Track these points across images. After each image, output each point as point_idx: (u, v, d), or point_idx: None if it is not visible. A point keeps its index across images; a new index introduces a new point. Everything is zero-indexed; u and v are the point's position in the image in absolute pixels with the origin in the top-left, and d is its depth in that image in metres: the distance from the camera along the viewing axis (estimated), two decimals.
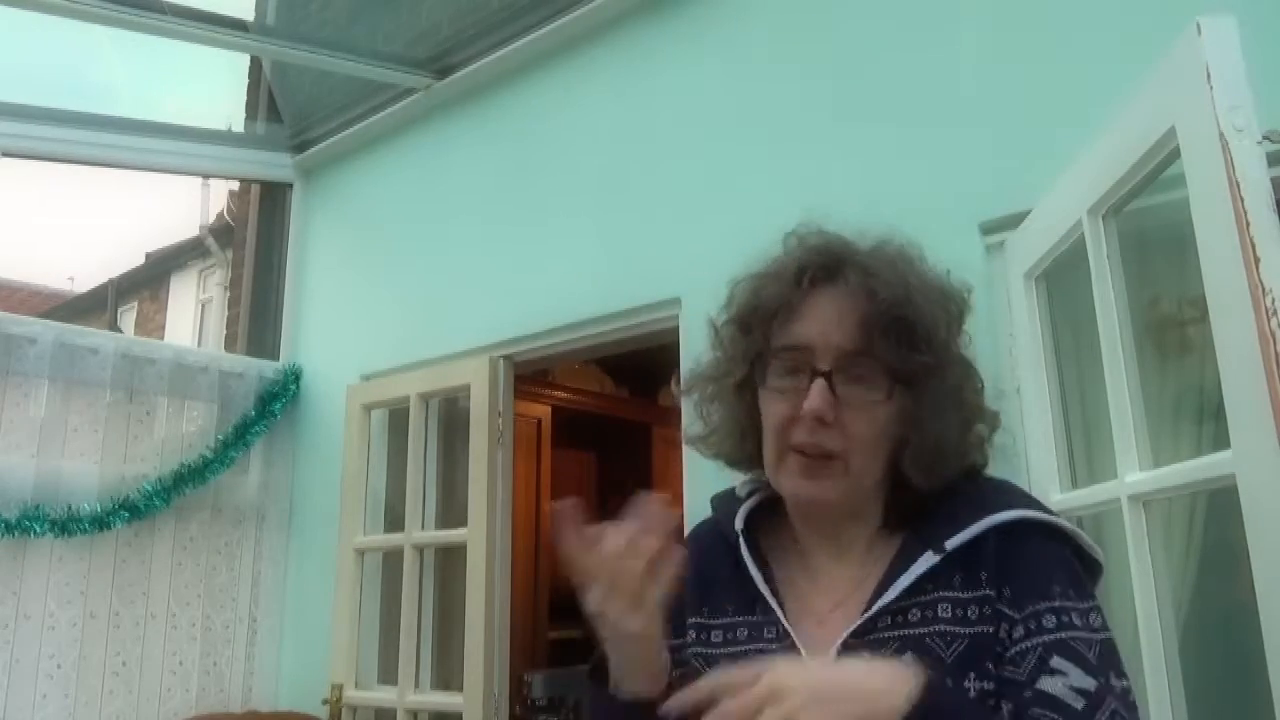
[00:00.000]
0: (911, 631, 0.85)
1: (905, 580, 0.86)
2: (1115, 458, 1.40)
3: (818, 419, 0.89)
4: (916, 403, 0.90)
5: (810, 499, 0.94)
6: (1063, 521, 0.89)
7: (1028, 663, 0.80)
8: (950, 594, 0.85)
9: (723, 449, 1.03)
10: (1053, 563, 0.84)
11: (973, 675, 0.82)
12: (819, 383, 0.89)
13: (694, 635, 0.99)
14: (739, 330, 0.99)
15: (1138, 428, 1.37)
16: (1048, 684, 0.78)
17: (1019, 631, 0.82)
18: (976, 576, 0.85)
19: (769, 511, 1.02)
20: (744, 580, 0.97)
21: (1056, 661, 0.79)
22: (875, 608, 0.87)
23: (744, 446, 1.01)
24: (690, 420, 1.06)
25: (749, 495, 1.04)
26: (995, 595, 0.84)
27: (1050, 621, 0.81)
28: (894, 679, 0.72)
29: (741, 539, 0.99)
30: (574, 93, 2.86)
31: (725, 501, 1.07)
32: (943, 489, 0.92)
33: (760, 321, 0.96)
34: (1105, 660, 0.80)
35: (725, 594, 0.98)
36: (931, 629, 0.85)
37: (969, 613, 0.84)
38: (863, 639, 0.86)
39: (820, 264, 0.94)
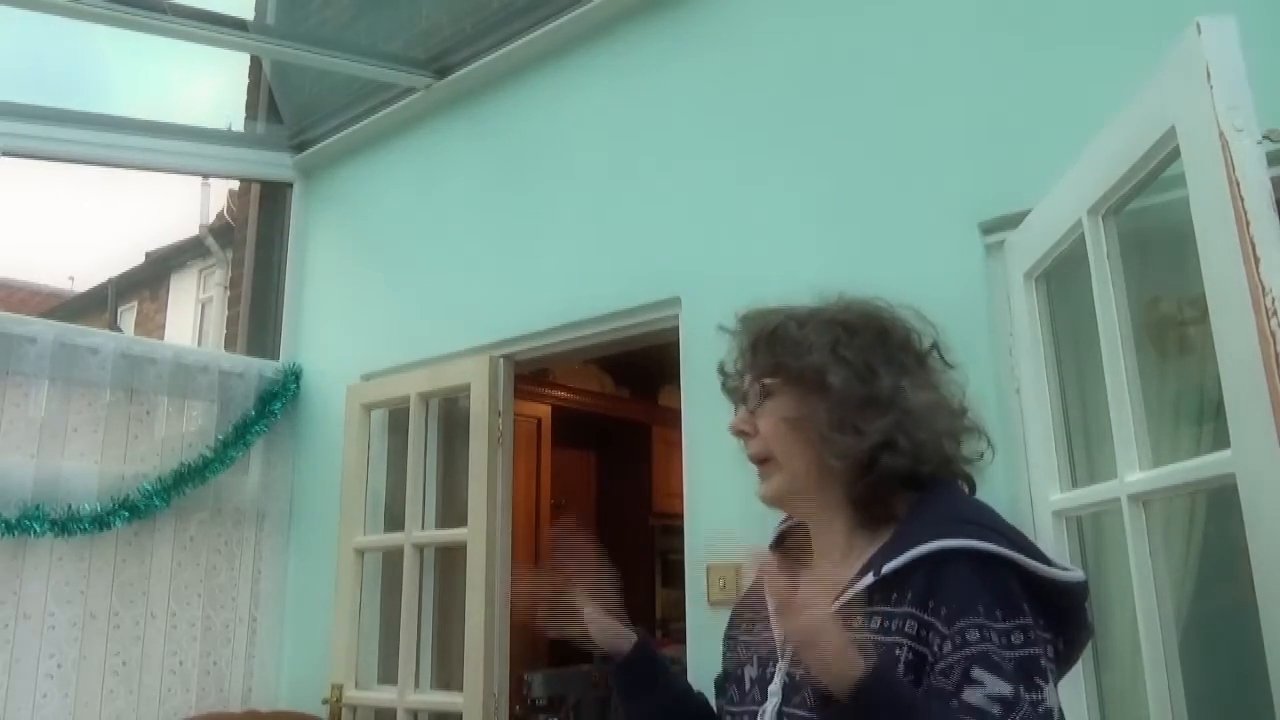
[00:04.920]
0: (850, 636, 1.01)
1: (847, 595, 1.02)
2: (1115, 457, 1.40)
3: (738, 431, 1.16)
4: (809, 394, 1.11)
5: (762, 497, 1.17)
6: (992, 547, 0.96)
7: (954, 675, 0.92)
8: (884, 609, 1.00)
9: None
10: (979, 587, 0.95)
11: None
12: (740, 408, 1.17)
13: (744, 628, 1.24)
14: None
15: (1138, 427, 1.37)
16: (969, 694, 0.90)
17: (948, 646, 0.93)
18: (904, 597, 0.99)
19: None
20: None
21: (977, 673, 0.91)
22: None
23: None
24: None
25: (787, 519, 1.28)
26: (922, 613, 0.97)
27: (974, 636, 0.92)
28: (854, 662, 0.89)
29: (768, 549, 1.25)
30: (574, 92, 2.86)
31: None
32: (912, 502, 1.08)
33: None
34: (1019, 672, 0.91)
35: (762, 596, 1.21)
36: (862, 635, 0.98)
37: (890, 625, 0.99)
38: None
39: (738, 351, 1.20)
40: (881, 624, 0.99)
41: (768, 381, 1.14)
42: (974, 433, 1.14)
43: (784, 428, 1.12)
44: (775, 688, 1.07)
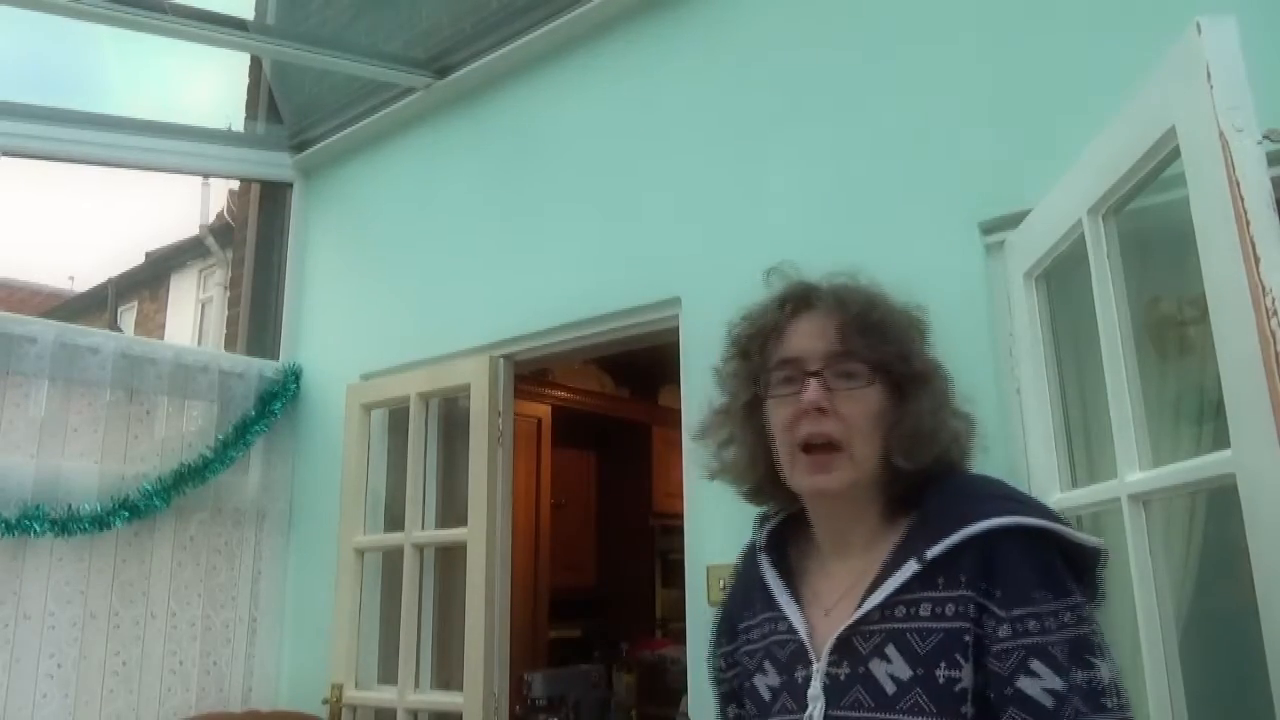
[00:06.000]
0: (896, 626, 0.98)
1: (891, 585, 0.99)
2: (1115, 457, 1.40)
3: (817, 409, 1.04)
4: (895, 391, 1.06)
5: (822, 489, 1.07)
6: (1041, 521, 0.96)
7: (1011, 661, 0.92)
8: (932, 594, 0.97)
9: (739, 475, 1.17)
10: (1032, 567, 0.94)
11: (943, 664, 0.94)
12: (813, 380, 1.05)
13: (742, 637, 1.18)
14: (741, 358, 1.15)
15: (1138, 427, 1.37)
16: (1025, 684, 0.91)
17: (1005, 630, 0.93)
18: (956, 579, 0.96)
19: (796, 523, 1.18)
20: (765, 583, 1.14)
21: (1035, 665, 0.91)
22: (865, 607, 1.00)
23: (756, 469, 1.15)
24: (709, 459, 1.21)
25: (776, 514, 1.21)
26: (979, 595, 0.95)
27: (1033, 625, 0.92)
28: None
29: (760, 547, 1.18)
30: (574, 92, 2.86)
31: (759, 520, 1.23)
32: (929, 488, 1.04)
33: (757, 346, 1.13)
34: (1071, 656, 0.91)
35: (758, 597, 1.16)
36: (912, 625, 0.97)
37: (946, 610, 0.96)
38: (856, 630, 1.00)
39: (798, 293, 1.12)
40: (933, 610, 0.96)
41: (875, 368, 1.06)
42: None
43: (872, 420, 1.05)
44: (816, 691, 1.01)
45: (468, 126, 3.17)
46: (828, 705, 1.00)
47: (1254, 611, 1.09)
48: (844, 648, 1.00)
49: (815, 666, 1.02)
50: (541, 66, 2.95)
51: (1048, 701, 0.90)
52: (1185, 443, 1.50)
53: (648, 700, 4.62)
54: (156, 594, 3.08)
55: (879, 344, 1.06)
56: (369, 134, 3.46)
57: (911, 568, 0.98)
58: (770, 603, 1.12)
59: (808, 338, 1.08)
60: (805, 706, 1.02)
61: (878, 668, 0.97)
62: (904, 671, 0.95)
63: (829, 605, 1.07)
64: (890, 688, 0.95)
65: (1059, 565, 0.95)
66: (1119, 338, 1.40)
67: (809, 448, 1.06)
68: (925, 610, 0.97)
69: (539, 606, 4.78)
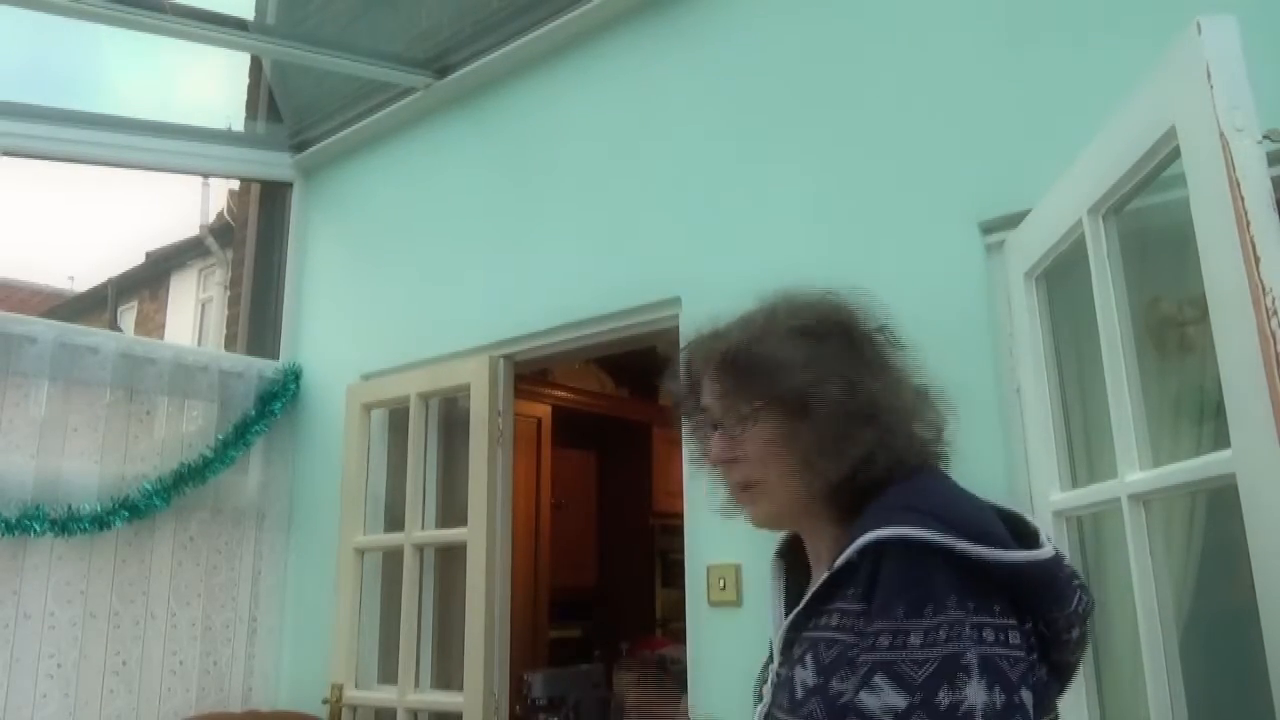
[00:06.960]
0: (815, 634, 1.01)
1: (810, 593, 1.03)
2: (1115, 457, 1.40)
3: (727, 460, 1.13)
4: (791, 415, 1.09)
5: (753, 523, 1.15)
6: (930, 536, 0.91)
7: (858, 674, 0.91)
8: (840, 605, 0.98)
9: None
10: (903, 583, 0.92)
11: (837, 678, 0.95)
12: (715, 434, 1.14)
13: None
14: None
15: (1138, 427, 1.37)
16: (865, 698, 0.89)
17: (865, 644, 0.92)
18: (855, 591, 0.96)
19: None
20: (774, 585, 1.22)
21: (878, 679, 0.89)
22: (792, 615, 1.05)
23: None
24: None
25: None
26: (863, 609, 0.94)
27: (885, 641, 0.90)
28: None
29: (776, 551, 1.24)
30: (574, 92, 2.86)
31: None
32: (873, 497, 1.03)
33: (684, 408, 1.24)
34: (936, 677, 0.87)
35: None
36: (824, 634, 0.99)
37: (844, 622, 0.97)
38: (794, 634, 1.05)
39: (683, 360, 1.21)
40: (839, 621, 0.98)
41: (757, 405, 1.10)
42: (937, 407, 1.11)
43: (773, 450, 1.09)
44: (768, 688, 1.07)
45: (468, 127, 3.17)
46: (770, 703, 1.05)
47: (1254, 611, 1.09)
48: (787, 650, 1.05)
49: (773, 666, 1.09)
50: (541, 66, 2.95)
51: (885, 718, 0.86)
52: (1185, 443, 1.50)
53: None
54: (156, 594, 3.09)
55: (748, 378, 1.11)
56: (369, 134, 3.46)
57: (824, 576, 1.01)
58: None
59: (707, 395, 1.17)
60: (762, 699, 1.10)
61: (798, 673, 1.00)
62: (810, 679, 0.98)
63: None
64: (800, 693, 0.98)
65: (939, 581, 0.90)
66: (1119, 338, 1.40)
67: (733, 488, 1.14)
68: (833, 620, 0.98)
69: (539, 606, 4.79)
